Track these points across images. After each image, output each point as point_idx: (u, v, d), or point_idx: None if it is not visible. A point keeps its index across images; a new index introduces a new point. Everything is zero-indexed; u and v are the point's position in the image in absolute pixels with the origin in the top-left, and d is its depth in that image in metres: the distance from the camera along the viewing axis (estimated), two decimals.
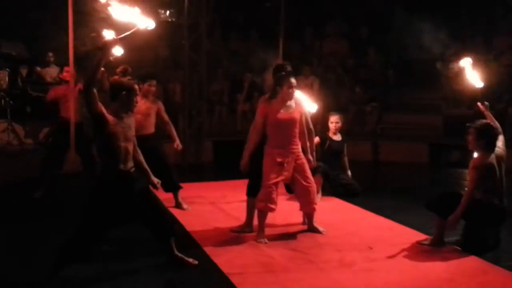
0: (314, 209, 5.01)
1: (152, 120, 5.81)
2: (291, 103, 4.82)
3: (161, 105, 5.91)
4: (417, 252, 4.56)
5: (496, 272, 4.14)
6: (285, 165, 4.77)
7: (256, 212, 4.91)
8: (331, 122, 6.65)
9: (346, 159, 6.77)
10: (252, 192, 5.01)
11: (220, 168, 8.50)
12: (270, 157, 4.77)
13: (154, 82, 5.81)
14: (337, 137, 6.71)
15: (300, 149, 4.90)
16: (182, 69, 9.26)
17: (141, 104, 5.54)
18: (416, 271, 4.16)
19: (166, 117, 5.96)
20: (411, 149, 9.11)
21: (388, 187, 7.38)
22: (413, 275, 4.06)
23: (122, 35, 3.83)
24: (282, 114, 4.76)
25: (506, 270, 4.15)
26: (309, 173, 4.94)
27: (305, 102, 5.24)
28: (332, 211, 5.79)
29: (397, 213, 5.72)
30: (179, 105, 9.41)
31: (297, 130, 4.85)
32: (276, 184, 4.79)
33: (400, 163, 8.71)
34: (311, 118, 5.21)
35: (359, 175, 6.91)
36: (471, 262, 4.34)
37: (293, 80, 4.79)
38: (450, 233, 4.66)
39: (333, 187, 6.55)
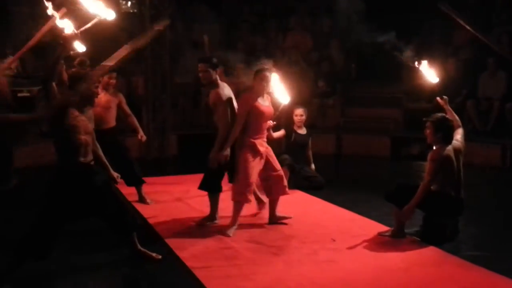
0: (287, 193, 5.14)
1: (113, 113, 5.71)
2: (266, 97, 4.98)
3: (122, 98, 5.82)
4: (378, 243, 4.65)
5: (454, 262, 4.25)
6: (263, 154, 4.92)
7: (216, 202, 5.03)
8: (296, 115, 6.69)
9: (310, 152, 6.83)
10: (210, 187, 5.02)
11: (185, 162, 8.44)
12: (250, 148, 4.84)
13: (114, 75, 5.72)
14: (302, 131, 6.76)
15: None
16: (144, 62, 9.12)
17: (101, 97, 5.45)
18: (377, 261, 4.24)
19: (127, 109, 5.88)
20: (373, 142, 9.24)
21: (351, 179, 7.47)
22: (374, 266, 4.14)
23: (82, 28, 3.75)
24: (264, 106, 4.93)
25: (464, 260, 4.27)
26: (276, 159, 5.16)
27: (279, 94, 5.28)
28: (296, 204, 5.83)
29: (359, 205, 5.81)
30: (142, 98, 9.28)
31: None
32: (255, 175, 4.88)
33: (362, 156, 8.83)
34: (281, 110, 5.31)
35: (322, 168, 6.98)
36: (430, 252, 4.44)
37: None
38: (410, 224, 4.76)
39: (297, 180, 6.60)
